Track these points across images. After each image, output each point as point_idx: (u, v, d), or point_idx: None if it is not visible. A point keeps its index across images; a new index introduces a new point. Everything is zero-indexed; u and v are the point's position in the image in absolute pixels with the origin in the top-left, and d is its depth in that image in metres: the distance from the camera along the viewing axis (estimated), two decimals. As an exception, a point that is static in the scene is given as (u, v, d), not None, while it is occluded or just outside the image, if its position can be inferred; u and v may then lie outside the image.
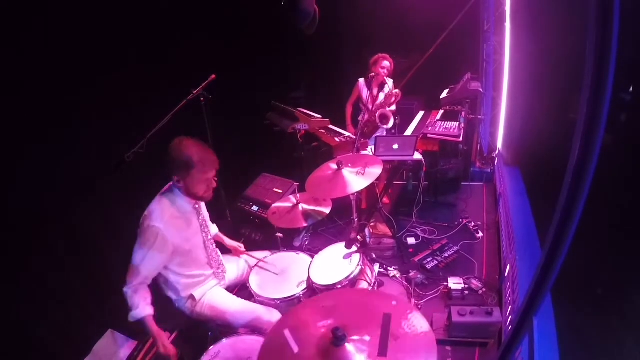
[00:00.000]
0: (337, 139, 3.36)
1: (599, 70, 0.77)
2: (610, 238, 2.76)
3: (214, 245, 2.12)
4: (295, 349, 1.15)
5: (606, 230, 2.70)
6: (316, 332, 1.19)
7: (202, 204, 2.06)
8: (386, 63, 3.49)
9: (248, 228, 3.15)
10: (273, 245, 2.56)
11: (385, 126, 3.31)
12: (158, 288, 1.97)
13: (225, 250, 2.32)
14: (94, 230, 2.43)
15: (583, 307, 2.44)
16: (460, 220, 3.42)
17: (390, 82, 3.50)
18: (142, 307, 1.75)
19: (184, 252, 1.91)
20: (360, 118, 3.78)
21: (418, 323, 1.17)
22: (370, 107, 3.46)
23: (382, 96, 3.50)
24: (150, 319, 1.77)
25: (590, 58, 0.77)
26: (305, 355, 1.14)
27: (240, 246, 2.39)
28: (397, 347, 1.11)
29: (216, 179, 1.91)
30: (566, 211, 0.91)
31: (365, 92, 3.62)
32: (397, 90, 3.39)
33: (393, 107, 3.55)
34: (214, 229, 2.30)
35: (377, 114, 3.27)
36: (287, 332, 1.18)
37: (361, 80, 3.67)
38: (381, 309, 1.24)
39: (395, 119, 3.59)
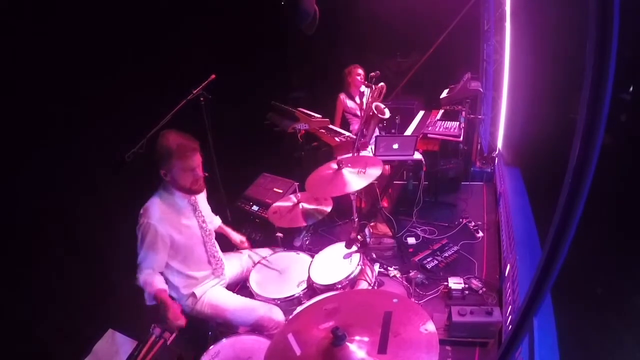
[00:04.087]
0: (337, 139, 3.36)
1: (599, 70, 0.76)
2: (610, 238, 2.76)
3: (213, 240, 2.13)
4: (298, 351, 1.16)
5: (606, 230, 2.70)
6: (318, 334, 1.20)
7: (200, 200, 2.06)
8: (360, 71, 3.67)
9: (248, 228, 3.15)
10: (273, 245, 2.56)
11: (383, 116, 3.33)
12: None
13: (226, 247, 2.32)
14: (94, 230, 2.43)
15: (583, 307, 2.45)
16: (460, 220, 3.42)
17: (367, 91, 3.55)
18: (152, 285, 1.80)
19: (183, 248, 1.91)
20: (351, 129, 3.83)
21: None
22: (359, 113, 3.54)
23: (365, 100, 3.56)
24: (162, 292, 1.79)
25: (590, 58, 0.77)
26: (306, 357, 1.14)
27: (243, 240, 2.39)
28: (398, 343, 1.11)
29: (206, 174, 1.92)
30: (566, 211, 0.91)
31: (349, 103, 3.76)
32: (381, 84, 3.40)
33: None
34: (217, 220, 2.31)
35: (372, 107, 3.27)
36: (290, 337, 1.19)
37: (341, 95, 3.81)
38: (383, 307, 1.24)
39: (395, 119, 3.60)
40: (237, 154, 3.42)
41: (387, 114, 3.31)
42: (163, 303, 1.74)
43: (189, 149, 1.83)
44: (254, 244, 2.51)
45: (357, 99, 3.72)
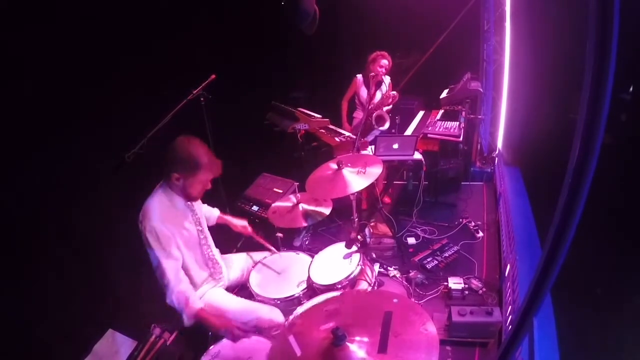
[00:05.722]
0: (337, 139, 3.36)
1: (599, 70, 0.76)
2: (610, 238, 2.77)
3: (210, 242, 2.12)
4: (298, 352, 1.16)
5: (606, 230, 2.70)
6: (319, 335, 1.20)
7: (196, 203, 2.06)
8: (384, 62, 3.45)
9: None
10: (273, 245, 2.56)
11: (381, 128, 3.32)
12: (158, 288, 1.97)
13: (226, 248, 2.32)
14: (94, 231, 2.43)
15: (583, 307, 2.45)
16: (460, 220, 3.42)
17: (387, 80, 3.49)
18: (190, 305, 1.76)
19: (180, 250, 1.90)
20: (355, 115, 3.78)
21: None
22: (366, 105, 3.47)
23: (379, 95, 3.50)
24: (202, 312, 1.77)
25: (590, 58, 0.77)
26: (307, 357, 1.14)
27: (245, 225, 2.37)
28: (398, 344, 1.11)
29: (211, 182, 1.92)
30: (566, 211, 0.91)
31: (362, 90, 3.61)
32: (394, 92, 3.38)
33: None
34: (215, 212, 2.31)
35: (373, 115, 3.26)
36: (291, 338, 1.19)
37: (359, 77, 3.64)
38: (383, 307, 1.24)
39: (395, 119, 3.59)
40: (237, 154, 3.42)
41: (386, 126, 3.30)
42: (206, 322, 1.75)
43: (217, 167, 1.83)
44: (253, 245, 2.50)
45: (372, 89, 3.51)
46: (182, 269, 1.93)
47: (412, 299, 2.57)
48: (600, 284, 2.64)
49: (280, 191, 3.08)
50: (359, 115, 3.73)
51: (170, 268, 1.78)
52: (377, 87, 3.47)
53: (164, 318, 1.87)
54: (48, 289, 2.21)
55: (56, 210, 2.25)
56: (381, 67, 3.45)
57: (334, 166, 2.28)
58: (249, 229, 2.38)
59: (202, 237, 2.03)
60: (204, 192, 1.93)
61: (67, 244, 2.30)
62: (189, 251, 1.96)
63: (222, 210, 2.40)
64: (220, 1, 3.53)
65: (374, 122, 3.27)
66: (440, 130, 3.48)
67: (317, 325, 1.24)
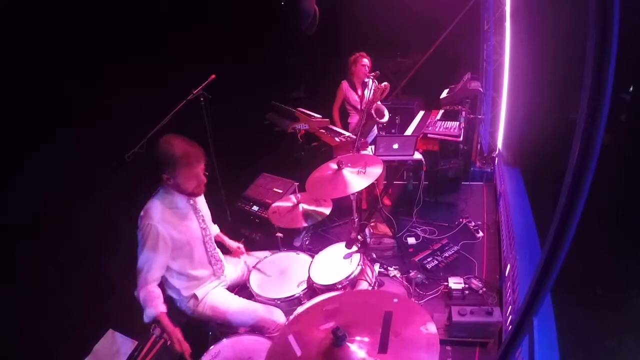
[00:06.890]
0: (337, 139, 3.36)
1: (599, 70, 0.76)
2: (610, 238, 2.77)
3: (214, 242, 2.12)
4: (298, 352, 1.16)
5: (606, 230, 2.70)
6: (319, 334, 1.20)
7: (201, 201, 2.06)
8: (365, 61, 3.50)
9: (248, 228, 3.15)
10: (273, 245, 2.56)
11: (382, 120, 3.31)
12: (160, 287, 1.97)
13: (226, 250, 2.32)
14: (94, 231, 2.43)
15: (583, 307, 2.45)
16: (460, 220, 3.42)
17: (370, 82, 3.51)
18: (154, 306, 1.76)
19: (184, 248, 1.91)
20: (349, 120, 3.79)
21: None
22: (359, 107, 3.48)
23: (367, 93, 3.51)
24: (164, 316, 1.77)
25: (590, 58, 0.77)
26: (307, 357, 1.14)
27: (240, 247, 2.39)
28: (398, 343, 1.11)
29: (206, 173, 1.90)
30: (566, 211, 0.91)
31: (351, 94, 3.64)
32: (385, 83, 3.38)
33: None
34: (215, 229, 2.30)
35: (372, 110, 3.26)
36: (291, 337, 1.19)
37: (344, 83, 3.67)
38: (383, 307, 1.24)
39: (395, 119, 3.59)
40: (237, 154, 3.42)
41: (386, 118, 3.30)
42: (164, 327, 1.75)
43: (194, 157, 1.81)
44: (253, 245, 2.50)
45: (360, 91, 3.57)
46: (184, 266, 1.94)
47: (412, 299, 2.57)
48: (600, 284, 2.64)
49: (280, 191, 3.08)
50: (353, 120, 3.74)
51: (150, 266, 1.79)
52: (363, 87, 3.50)
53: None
54: (48, 289, 2.21)
55: (56, 210, 2.25)
56: (363, 65, 3.49)
57: (334, 166, 2.28)
58: (243, 250, 2.38)
59: (205, 235, 2.03)
60: (203, 185, 1.92)
61: (67, 244, 2.30)
62: (192, 248, 1.96)
63: (223, 211, 2.40)
64: (221, 1, 3.53)
65: (375, 116, 3.26)
66: (440, 130, 3.48)
67: (317, 325, 1.24)
